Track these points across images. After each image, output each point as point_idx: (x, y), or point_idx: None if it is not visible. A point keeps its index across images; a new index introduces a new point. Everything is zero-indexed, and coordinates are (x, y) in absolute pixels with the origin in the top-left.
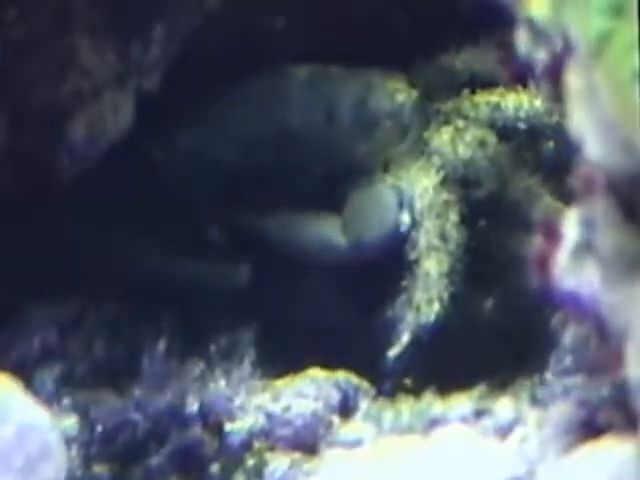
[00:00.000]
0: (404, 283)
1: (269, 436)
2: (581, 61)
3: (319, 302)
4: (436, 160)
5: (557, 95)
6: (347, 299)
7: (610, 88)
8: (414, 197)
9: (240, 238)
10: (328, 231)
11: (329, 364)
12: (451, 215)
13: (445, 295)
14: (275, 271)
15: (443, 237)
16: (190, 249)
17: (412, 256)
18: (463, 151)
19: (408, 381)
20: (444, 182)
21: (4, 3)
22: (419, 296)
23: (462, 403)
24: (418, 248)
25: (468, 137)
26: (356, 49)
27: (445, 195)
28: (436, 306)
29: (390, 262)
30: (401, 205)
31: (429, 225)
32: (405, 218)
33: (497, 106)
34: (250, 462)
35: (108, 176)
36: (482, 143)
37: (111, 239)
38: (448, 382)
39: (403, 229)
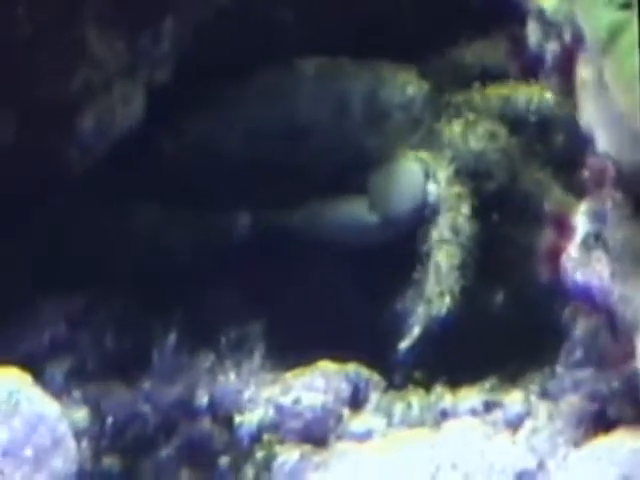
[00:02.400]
0: (415, 276)
1: (279, 429)
2: (591, 53)
3: (329, 295)
4: (447, 153)
5: (568, 87)
6: (358, 292)
7: (620, 81)
8: (439, 164)
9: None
10: (357, 212)
11: (339, 356)
12: (463, 208)
13: (456, 288)
14: (286, 264)
15: (455, 230)
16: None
17: (424, 249)
18: (474, 144)
19: (418, 374)
20: (456, 175)
21: None
22: (430, 289)
23: (472, 396)
24: (430, 241)
25: (479, 130)
26: (367, 42)
27: (457, 188)
28: (447, 299)
29: (402, 254)
30: (427, 175)
31: (441, 218)
32: (432, 188)
33: (508, 99)
34: (260, 455)
35: (118, 168)
36: (493, 136)
37: (121, 231)
38: (458, 375)
39: (431, 199)
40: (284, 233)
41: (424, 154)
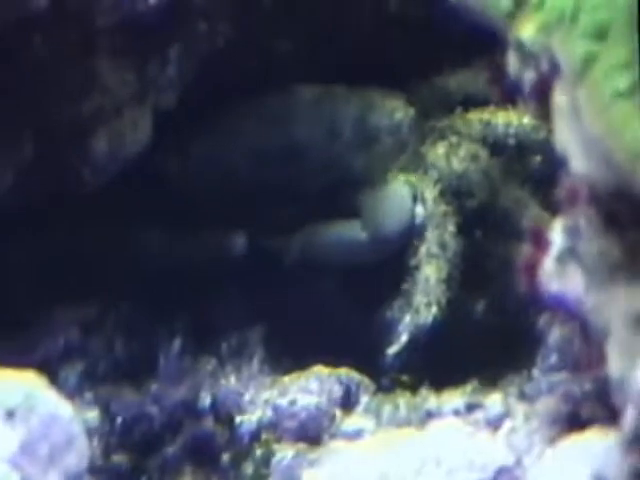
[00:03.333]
0: (404, 287)
1: (276, 428)
2: (566, 81)
3: (323, 305)
4: (432, 173)
5: (544, 113)
6: (350, 302)
7: (593, 107)
8: (425, 192)
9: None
10: (349, 231)
11: (332, 361)
12: (449, 225)
13: (443, 300)
14: (283, 278)
15: (442, 246)
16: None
17: (413, 262)
18: (457, 165)
19: (406, 377)
20: (441, 194)
21: (34, 27)
22: (418, 299)
23: (455, 398)
24: (418, 255)
25: (462, 152)
26: (358, 70)
27: (443, 207)
28: (434, 309)
29: (391, 268)
30: (415, 198)
31: (429, 235)
32: (420, 210)
33: (488, 123)
34: (258, 452)
35: (128, 186)
36: (474, 157)
37: (130, 245)
38: (443, 378)
39: (418, 221)
40: (282, 253)
41: (412, 177)
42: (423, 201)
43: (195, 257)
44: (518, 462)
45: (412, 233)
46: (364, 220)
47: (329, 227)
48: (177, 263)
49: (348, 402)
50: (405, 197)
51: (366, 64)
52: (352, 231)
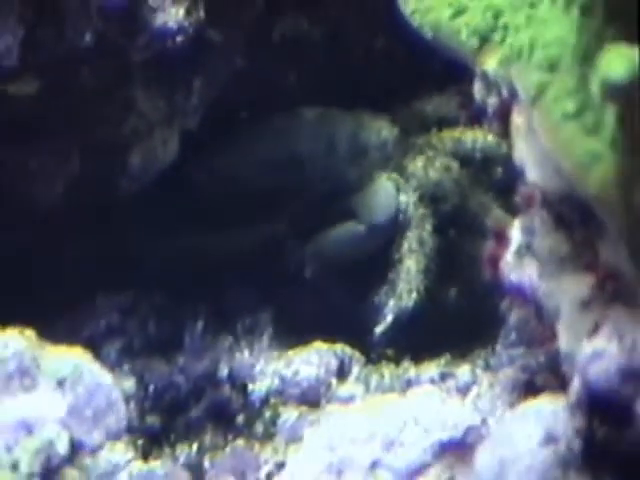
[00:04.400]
0: (390, 277)
1: (282, 394)
2: (523, 105)
3: (322, 291)
4: (413, 182)
5: (505, 132)
6: (345, 289)
7: (545, 126)
8: (407, 185)
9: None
10: (348, 228)
11: (330, 338)
12: (426, 225)
13: (421, 287)
14: (290, 268)
15: (421, 242)
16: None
17: (396, 256)
18: (433, 175)
19: (390, 352)
20: (420, 199)
21: (82, 61)
22: (401, 287)
23: (431, 369)
24: (401, 250)
25: (437, 164)
26: (352, 96)
27: (421, 210)
28: (414, 295)
29: (379, 262)
30: (398, 190)
31: (410, 233)
32: (403, 199)
33: (459, 140)
34: (267, 414)
35: (159, 194)
36: (447, 169)
37: (161, 243)
38: (421, 352)
39: (403, 208)
40: (301, 266)
41: (394, 175)
42: (405, 191)
43: (220, 249)
44: (483, 422)
45: (398, 219)
46: (359, 216)
47: (332, 231)
48: (204, 254)
49: (342, 372)
50: (389, 189)
51: (358, 91)
52: (351, 227)
